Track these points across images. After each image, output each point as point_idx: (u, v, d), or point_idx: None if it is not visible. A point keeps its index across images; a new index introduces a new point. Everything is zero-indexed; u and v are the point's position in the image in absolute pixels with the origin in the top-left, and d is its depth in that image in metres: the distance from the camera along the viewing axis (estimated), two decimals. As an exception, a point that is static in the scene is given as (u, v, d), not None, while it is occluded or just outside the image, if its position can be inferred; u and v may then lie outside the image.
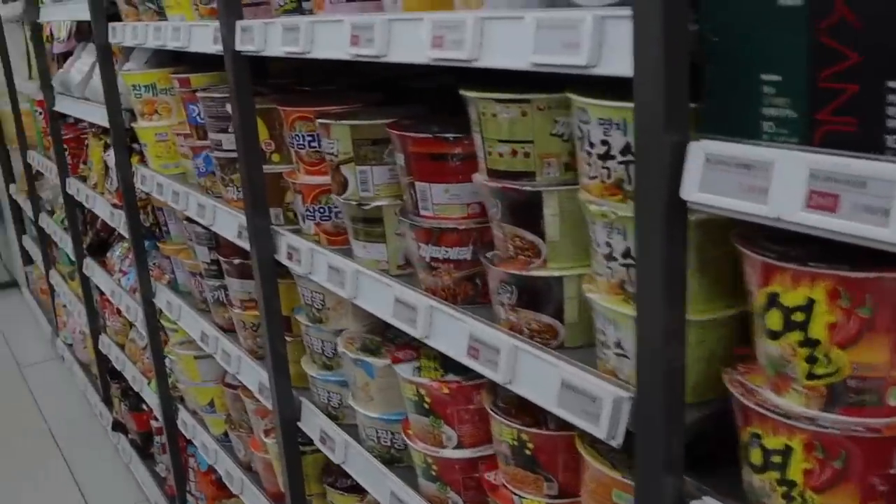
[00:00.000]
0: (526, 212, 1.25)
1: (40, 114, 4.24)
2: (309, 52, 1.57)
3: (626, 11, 0.92)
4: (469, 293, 1.49)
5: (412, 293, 1.51)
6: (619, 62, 0.96)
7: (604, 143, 1.06)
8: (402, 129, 1.46)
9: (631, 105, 0.99)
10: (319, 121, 1.63)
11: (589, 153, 1.09)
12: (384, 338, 1.88)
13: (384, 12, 1.44)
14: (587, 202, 1.11)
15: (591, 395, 1.15)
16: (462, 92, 1.28)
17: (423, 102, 1.91)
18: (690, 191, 0.91)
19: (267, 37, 1.73)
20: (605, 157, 1.06)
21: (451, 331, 1.42)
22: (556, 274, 1.26)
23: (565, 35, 1.01)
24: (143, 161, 2.94)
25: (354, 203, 1.64)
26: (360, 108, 1.78)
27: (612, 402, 1.10)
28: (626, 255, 1.08)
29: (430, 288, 1.51)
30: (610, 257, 1.10)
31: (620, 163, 1.05)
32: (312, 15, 1.65)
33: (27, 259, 5.81)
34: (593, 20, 0.98)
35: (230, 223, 2.17)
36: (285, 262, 1.93)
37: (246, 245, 2.07)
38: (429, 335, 1.47)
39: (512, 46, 1.11)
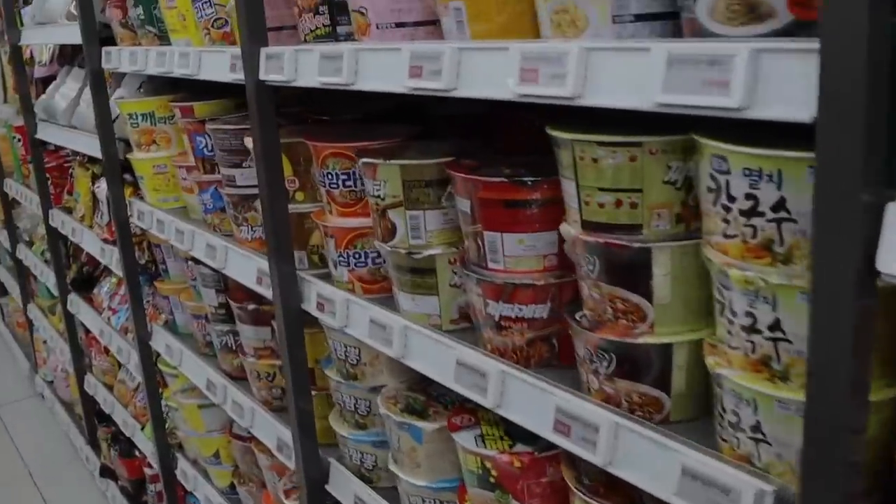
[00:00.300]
0: (631, 270, 1.08)
1: (18, 140, 4.01)
2: (353, 84, 1.39)
3: (807, 44, 0.76)
4: (544, 355, 1.31)
5: (479, 356, 1.33)
6: (784, 104, 0.80)
7: (749, 196, 0.89)
8: (468, 172, 1.28)
9: (792, 154, 0.82)
10: (364, 160, 1.45)
11: (727, 208, 0.92)
12: (428, 396, 1.70)
13: (447, 40, 1.27)
14: (723, 265, 0.94)
15: (722, 487, 0.98)
16: (553, 133, 1.11)
17: (460, 132, 1.74)
18: (889, 261, 0.75)
19: (299, 65, 1.55)
20: (751, 213, 0.90)
21: (531, 401, 1.24)
22: (666, 340, 1.09)
23: (708, 72, 0.85)
24: (137, 194, 2.73)
25: (404, 252, 1.46)
26: (401, 142, 1.60)
27: (753, 496, 0.94)
28: (776, 327, 0.91)
29: (498, 349, 1.33)
30: (752, 329, 0.94)
31: (771, 220, 0.89)
32: (353, 41, 1.47)
33: (1, 291, 5.53)
34: (749, 54, 0.81)
35: (246, 267, 1.98)
36: (315, 312, 1.75)
37: (266, 292, 1.88)
38: (501, 404, 1.29)
39: (630, 83, 0.94)
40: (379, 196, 1.46)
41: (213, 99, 2.30)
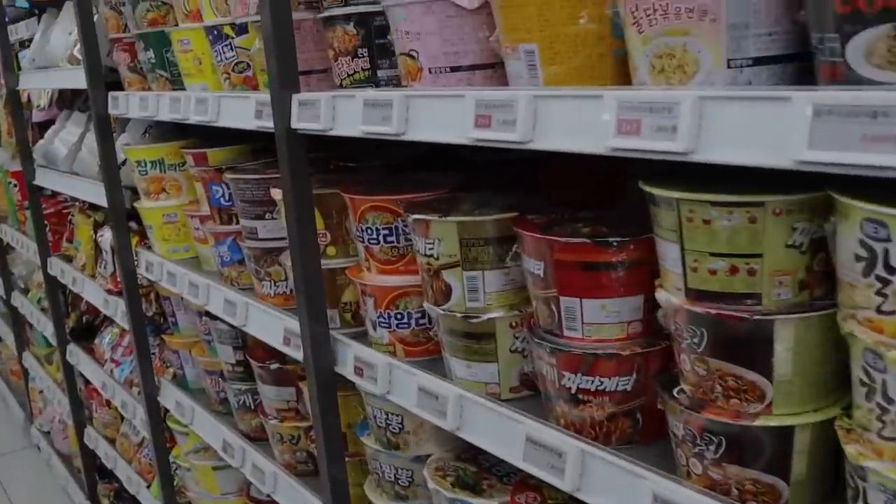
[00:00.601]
0: (747, 344, 0.95)
1: (14, 185, 3.86)
2: (403, 134, 1.26)
3: None
4: (626, 431, 1.18)
5: (553, 433, 1.19)
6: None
7: (913, 268, 0.76)
8: (540, 230, 1.16)
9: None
10: (415, 216, 1.32)
11: (884, 280, 0.79)
12: (479, 466, 1.55)
13: (514, 86, 1.15)
14: (877, 344, 0.81)
15: None
16: (653, 190, 0.98)
17: (500, 180, 1.62)
18: None
19: (337, 113, 1.42)
20: (915, 287, 0.77)
21: (619, 486, 1.10)
22: (787, 423, 0.96)
23: (871, 126, 0.72)
24: (144, 243, 2.59)
25: (460, 315, 1.33)
26: (448, 194, 1.47)
27: None
28: (946, 420, 0.78)
29: (574, 424, 1.19)
30: (913, 420, 0.80)
31: (941, 296, 0.76)
32: (395, 87, 1.35)
33: (-6, 338, 5.34)
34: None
35: (271, 326, 1.84)
36: (352, 377, 1.60)
37: (295, 353, 1.74)
38: (581, 488, 1.15)
39: (760, 137, 0.81)
40: (432, 255, 1.33)
41: (225, 144, 2.18)
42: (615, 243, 1.09)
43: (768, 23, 0.88)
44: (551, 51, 1.08)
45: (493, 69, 1.26)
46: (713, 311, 0.95)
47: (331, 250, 1.69)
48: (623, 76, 1.08)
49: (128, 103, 2.29)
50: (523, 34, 1.09)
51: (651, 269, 1.12)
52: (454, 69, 1.26)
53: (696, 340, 0.99)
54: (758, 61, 0.89)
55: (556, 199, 1.47)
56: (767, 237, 0.91)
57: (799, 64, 0.91)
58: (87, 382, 3.53)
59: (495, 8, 1.14)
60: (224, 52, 1.83)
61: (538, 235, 1.13)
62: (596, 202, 1.43)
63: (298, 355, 1.71)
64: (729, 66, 0.89)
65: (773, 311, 0.93)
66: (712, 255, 0.94)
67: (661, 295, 1.03)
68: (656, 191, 0.97)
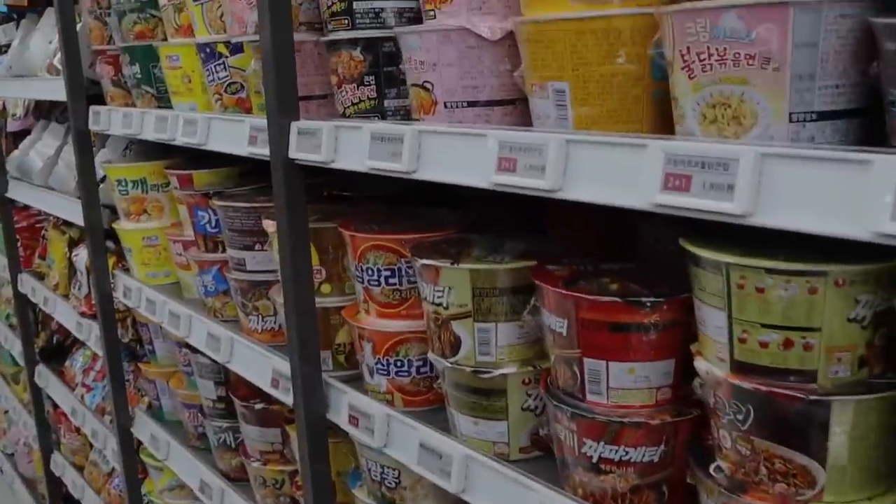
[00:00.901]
0: (799, 426, 0.86)
1: (-16, 197, 3.70)
2: (414, 173, 1.16)
3: None
4: (651, 504, 1.08)
5: (571, 505, 1.09)
6: None
7: None
8: (564, 285, 1.06)
9: None
10: (423, 262, 1.22)
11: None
12: (479, 525, 1.45)
13: (539, 126, 1.05)
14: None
15: None
16: (698, 252, 0.89)
17: (500, 217, 1.53)
18: None
19: (340, 145, 1.32)
20: None
21: (645, 570, 1.00)
22: (841, 514, 0.87)
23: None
24: (121, 264, 2.47)
25: (469, 370, 1.22)
26: (457, 234, 1.37)
27: None
28: None
29: (593, 495, 1.09)
30: None
31: None
32: (404, 119, 1.25)
33: (-42, 352, 5.15)
34: None
35: (258, 365, 1.72)
36: (346, 427, 1.49)
37: (284, 397, 1.62)
38: (601, 568, 1.05)
39: (832, 203, 0.73)
40: (440, 304, 1.22)
41: (212, 165, 2.07)
42: (648, 304, 1.00)
43: (836, 74, 0.80)
44: (584, 91, 0.99)
45: (514, 105, 1.17)
46: (763, 389, 0.86)
47: (325, 288, 1.58)
48: (661, 121, 1.00)
49: (110, 119, 2.17)
50: (554, 72, 1.00)
51: (684, 331, 1.03)
52: (471, 104, 1.17)
53: (740, 417, 0.89)
54: (822, 116, 0.81)
55: (564, 238, 1.38)
56: (828, 310, 0.82)
57: (864, 120, 0.82)
58: (56, 405, 3.38)
59: (522, 42, 1.05)
60: (216, 72, 1.72)
61: (563, 292, 1.04)
62: (607, 246, 1.34)
63: (288, 399, 1.60)
64: (791, 120, 0.81)
65: (830, 390, 0.84)
66: (764, 326, 0.85)
67: (700, 364, 0.94)
68: (703, 253, 0.88)
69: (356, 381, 1.53)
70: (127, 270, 2.41)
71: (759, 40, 0.79)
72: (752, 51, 0.80)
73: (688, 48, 0.85)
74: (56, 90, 2.38)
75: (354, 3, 1.33)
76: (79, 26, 2.32)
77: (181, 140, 1.81)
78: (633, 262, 1.18)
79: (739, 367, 0.88)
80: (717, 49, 0.82)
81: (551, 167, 0.96)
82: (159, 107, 2.04)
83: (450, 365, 1.24)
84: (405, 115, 1.34)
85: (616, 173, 0.90)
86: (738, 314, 0.87)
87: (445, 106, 1.17)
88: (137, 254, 2.31)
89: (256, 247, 1.75)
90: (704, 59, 0.83)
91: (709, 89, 0.84)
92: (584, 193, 0.94)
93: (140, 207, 2.27)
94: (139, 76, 2.05)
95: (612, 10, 0.96)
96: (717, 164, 0.80)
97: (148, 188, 2.26)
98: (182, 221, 2.15)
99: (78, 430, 3.20)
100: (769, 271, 0.83)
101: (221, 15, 1.68)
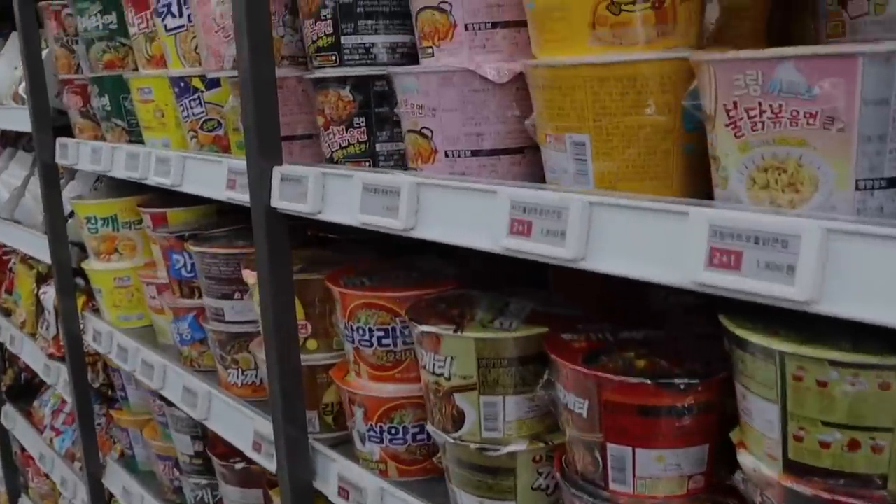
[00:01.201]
0: (866, 538, 0.74)
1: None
2: (412, 230, 1.04)
3: None
4: None
5: None
6: None
7: None
8: (585, 361, 0.94)
9: None
10: (423, 329, 1.09)
11: None
12: None
13: (554, 179, 0.94)
14: None
15: None
16: (748, 337, 0.77)
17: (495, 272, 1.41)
18: None
19: (329, 194, 1.20)
20: None
21: None
22: None
23: None
24: (91, 304, 2.32)
25: (475, 447, 1.10)
26: (457, 291, 1.25)
27: None
28: None
29: (616, 593, 0.97)
30: None
31: None
32: (409, 170, 1.13)
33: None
34: None
35: (238, 425, 1.59)
36: (334, 499, 1.36)
37: (266, 463, 1.49)
38: None
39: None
40: (442, 375, 1.10)
41: (189, 202, 1.94)
42: (682, 385, 0.88)
43: (910, 135, 0.69)
44: (607, 144, 0.87)
45: (523, 154, 1.06)
46: (826, 496, 0.74)
47: (311, 344, 1.45)
48: (693, 178, 0.89)
49: (78, 153, 2.04)
50: (573, 122, 0.88)
51: (720, 413, 0.92)
52: (475, 153, 1.05)
53: (795, 524, 0.78)
54: (893, 182, 0.70)
55: (570, 288, 1.26)
56: (903, 408, 0.71)
57: (943, 185, 0.71)
58: (23, 448, 3.21)
59: (535, 87, 0.93)
60: (191, 107, 1.60)
61: (585, 371, 0.92)
62: (617, 297, 1.22)
63: (271, 465, 1.46)
64: (857, 188, 0.70)
65: (906, 498, 0.73)
66: (826, 424, 0.73)
67: (746, 459, 0.82)
68: (752, 337, 0.76)
69: (345, 445, 1.41)
70: (97, 311, 2.27)
71: (821, 96, 0.68)
72: (813, 108, 0.69)
73: (734, 103, 0.74)
74: (21, 120, 2.24)
75: (342, 38, 1.21)
76: (45, 53, 2.19)
77: (154, 180, 1.68)
78: (654, 327, 1.06)
79: (794, 468, 0.77)
80: (770, 105, 0.71)
81: (573, 233, 0.84)
82: (131, 141, 1.91)
83: (452, 441, 1.12)
84: (399, 161, 1.23)
85: (649, 244, 0.79)
86: (794, 409, 0.75)
87: (446, 155, 1.05)
88: (108, 295, 2.16)
89: (236, 295, 1.62)
90: (755, 117, 0.72)
91: (760, 150, 0.73)
92: (611, 265, 0.82)
93: (111, 246, 2.13)
94: (109, 108, 1.92)
95: (639, 53, 0.85)
96: (774, 239, 0.69)
97: (119, 226, 2.12)
98: (156, 260, 2.01)
99: (47, 475, 3.04)
100: (834, 363, 0.71)
101: (196, 47, 1.55)
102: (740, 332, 0.78)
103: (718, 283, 0.72)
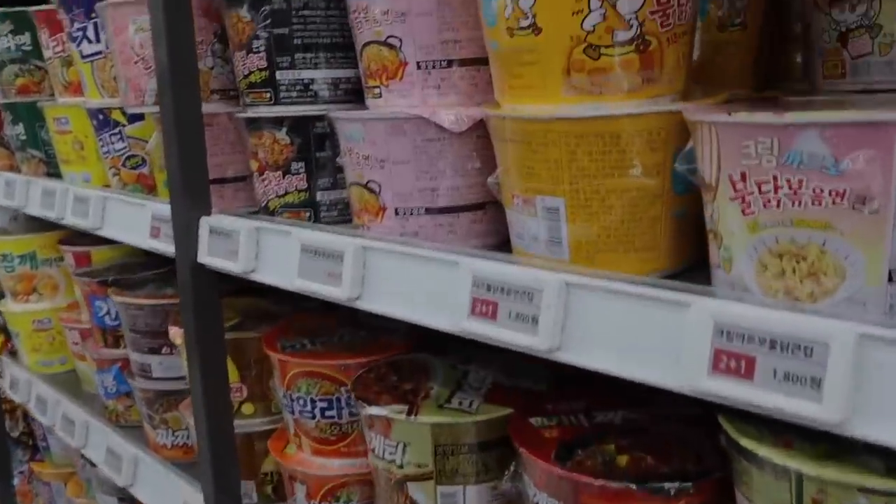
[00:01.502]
0: None
1: None
2: (357, 300, 0.90)
3: None
4: None
5: None
6: None
7: None
8: (559, 458, 0.81)
9: None
10: (371, 411, 0.95)
11: None
12: None
13: (521, 247, 0.81)
14: None
15: None
16: (761, 452, 0.65)
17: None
18: None
19: (263, 252, 1.05)
20: None
21: None
22: None
23: None
24: (9, 345, 2.13)
25: (432, 544, 0.96)
26: (405, 355, 1.12)
27: None
28: None
29: None
30: None
31: None
32: (353, 228, 0.99)
33: None
34: None
35: (168, 493, 1.43)
36: (274, 585, 1.22)
37: (198, 539, 1.33)
38: None
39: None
40: (393, 462, 0.96)
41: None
42: (672, 491, 0.76)
43: (952, 217, 0.58)
44: (585, 210, 0.75)
45: (483, 211, 0.93)
46: None
47: (247, 408, 1.30)
48: (683, 247, 0.77)
49: (-10, 186, 1.85)
50: (545, 184, 0.75)
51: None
52: (429, 210, 0.91)
53: None
54: (932, 273, 0.59)
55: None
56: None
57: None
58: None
59: (500, 141, 0.80)
60: (112, 142, 1.43)
61: (560, 472, 0.79)
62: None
63: (201, 544, 1.31)
64: (891, 280, 0.58)
65: None
66: (854, 556, 0.62)
67: (754, 587, 0.70)
68: (763, 451, 0.64)
69: (287, 522, 1.26)
70: (15, 354, 2.08)
71: (852, 172, 0.56)
72: (840, 186, 0.57)
73: (742, 174, 0.61)
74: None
75: (277, 73, 1.07)
76: (-45, 74, 2.00)
77: (71, 220, 1.51)
78: (632, 407, 0.94)
79: None
80: (788, 180, 0.59)
81: (546, 321, 0.71)
82: (49, 173, 1.73)
83: (406, 536, 0.98)
84: (344, 210, 1.09)
85: (641, 338, 0.66)
86: (815, 537, 0.63)
87: (396, 213, 0.92)
88: (27, 339, 1.98)
89: (164, 350, 1.46)
90: (769, 192, 0.60)
91: (773, 232, 0.61)
92: (594, 360, 0.70)
93: (29, 286, 1.95)
94: (24, 138, 1.74)
95: (621, 104, 0.72)
96: (797, 345, 0.57)
97: (38, 263, 1.94)
98: (79, 301, 1.84)
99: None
100: (864, 490, 0.59)
101: (115, 76, 1.39)
102: (746, 443, 0.66)
103: (726, 394, 0.60)
